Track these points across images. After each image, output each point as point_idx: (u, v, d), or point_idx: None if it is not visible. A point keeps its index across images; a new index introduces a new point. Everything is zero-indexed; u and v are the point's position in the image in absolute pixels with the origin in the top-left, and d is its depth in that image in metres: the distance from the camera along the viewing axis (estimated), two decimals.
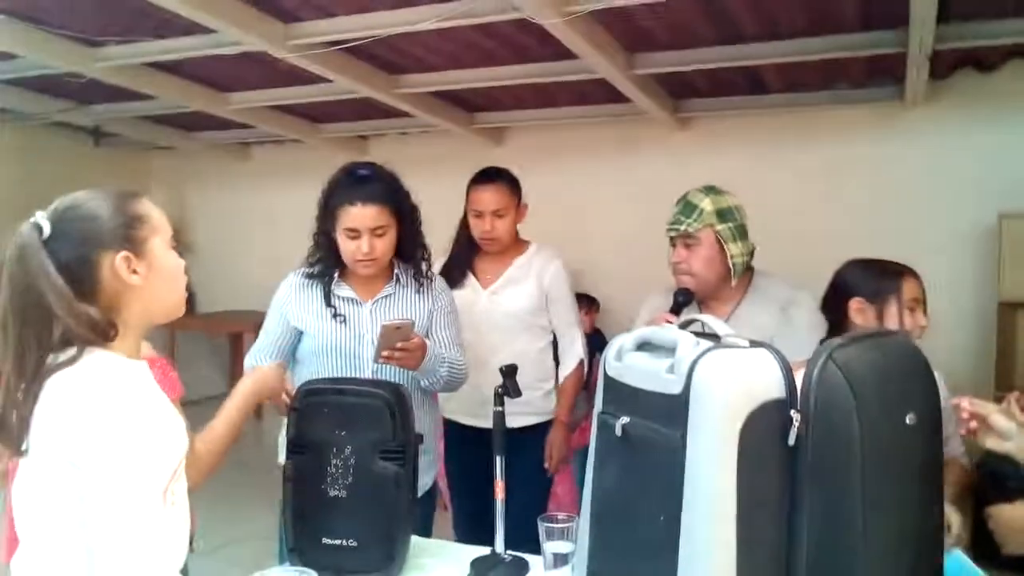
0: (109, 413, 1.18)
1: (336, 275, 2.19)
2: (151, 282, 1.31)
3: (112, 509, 1.16)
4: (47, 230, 1.24)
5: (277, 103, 4.93)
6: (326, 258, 2.19)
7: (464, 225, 2.77)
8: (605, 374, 1.35)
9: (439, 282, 2.33)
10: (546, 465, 2.73)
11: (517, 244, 2.79)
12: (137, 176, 6.42)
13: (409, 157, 3.74)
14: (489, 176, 2.73)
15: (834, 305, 2.10)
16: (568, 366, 2.79)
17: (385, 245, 2.12)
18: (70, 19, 3.51)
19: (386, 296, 2.20)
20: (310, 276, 2.21)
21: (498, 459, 1.85)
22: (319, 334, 2.16)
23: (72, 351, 1.22)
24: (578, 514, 1.48)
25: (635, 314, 2.33)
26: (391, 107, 4.62)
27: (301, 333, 2.20)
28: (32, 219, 1.26)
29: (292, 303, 2.20)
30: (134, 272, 1.28)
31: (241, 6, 3.22)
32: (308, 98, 4.66)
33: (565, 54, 3.62)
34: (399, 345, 1.98)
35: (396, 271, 2.22)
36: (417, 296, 2.23)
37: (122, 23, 3.54)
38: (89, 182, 1.36)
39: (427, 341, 2.11)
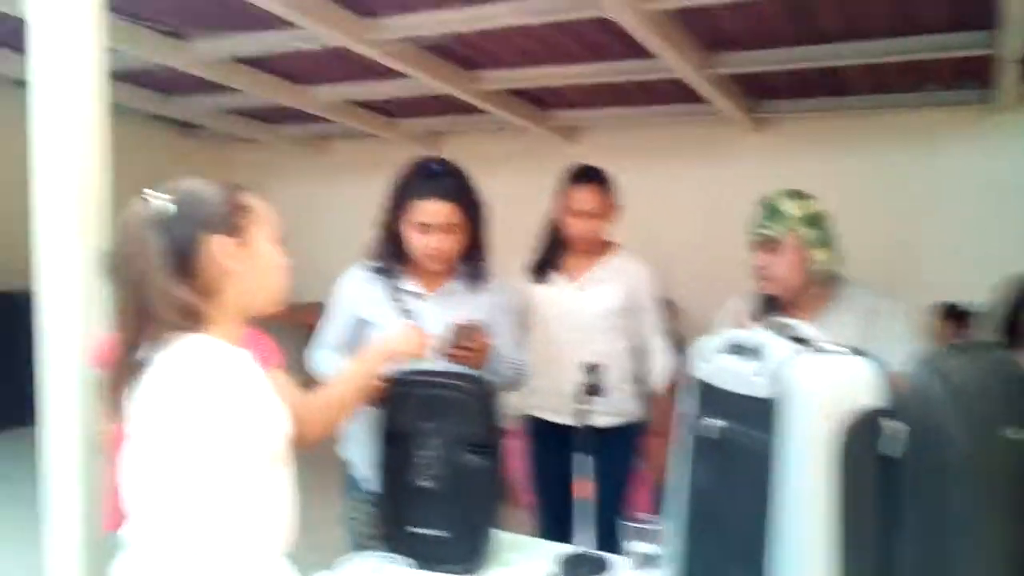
0: (202, 394, 1.20)
1: (400, 268, 2.20)
2: (248, 271, 1.34)
3: (207, 489, 1.19)
4: (162, 208, 1.27)
5: (356, 98, 5.02)
6: (390, 250, 2.19)
7: (553, 221, 2.77)
8: (694, 376, 1.35)
9: (503, 282, 2.32)
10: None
11: (606, 244, 2.78)
12: (221, 168, 6.57)
13: (483, 154, 3.76)
14: (588, 176, 2.70)
15: (1014, 320, 2.08)
16: (659, 376, 2.75)
17: (454, 241, 2.12)
18: (158, 13, 3.63)
19: (450, 291, 2.19)
20: (374, 269, 2.22)
21: (583, 456, 1.82)
22: (385, 326, 2.15)
23: (174, 333, 1.25)
24: (658, 516, 1.48)
25: (707, 318, 2.31)
26: (466, 103, 4.65)
27: (363, 326, 2.21)
28: (146, 197, 1.29)
29: (358, 295, 2.21)
30: (232, 258, 1.31)
31: (323, 2, 3.28)
32: (386, 94, 4.72)
33: (641, 53, 3.60)
34: (464, 344, 1.98)
35: (460, 267, 2.21)
36: (481, 294, 2.22)
37: (210, 17, 3.64)
38: (177, 173, 1.37)
39: (492, 343, 2.10)
